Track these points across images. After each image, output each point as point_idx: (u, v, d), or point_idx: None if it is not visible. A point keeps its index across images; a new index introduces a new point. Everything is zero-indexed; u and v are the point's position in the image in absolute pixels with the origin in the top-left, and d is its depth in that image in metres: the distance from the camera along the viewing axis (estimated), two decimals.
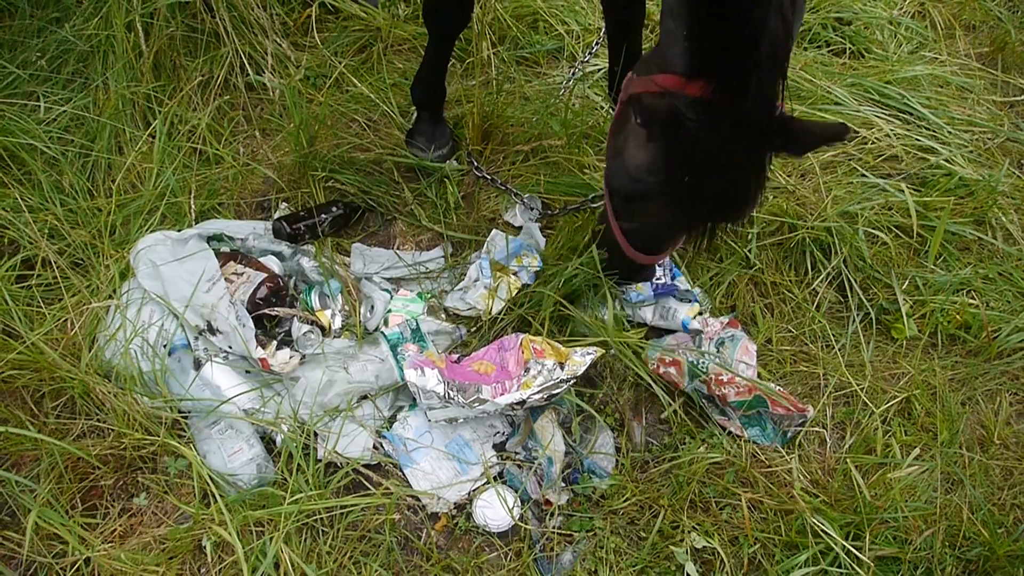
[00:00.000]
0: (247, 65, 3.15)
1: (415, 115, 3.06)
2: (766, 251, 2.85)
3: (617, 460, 2.47)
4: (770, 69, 1.79)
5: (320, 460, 2.34)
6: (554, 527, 2.33)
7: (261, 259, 2.67)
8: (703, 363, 2.49)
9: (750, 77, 1.78)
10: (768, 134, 1.89)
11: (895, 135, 3.07)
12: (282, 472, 2.31)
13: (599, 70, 3.37)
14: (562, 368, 2.40)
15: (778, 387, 2.50)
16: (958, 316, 2.72)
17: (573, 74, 3.31)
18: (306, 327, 2.57)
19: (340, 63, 3.26)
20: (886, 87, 3.18)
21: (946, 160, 3.01)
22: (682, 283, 2.74)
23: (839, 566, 2.20)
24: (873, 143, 3.06)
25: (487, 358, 2.50)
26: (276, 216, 2.83)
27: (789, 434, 2.49)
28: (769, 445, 2.48)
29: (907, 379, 2.64)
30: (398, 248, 2.89)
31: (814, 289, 2.82)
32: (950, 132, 3.14)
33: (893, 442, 2.42)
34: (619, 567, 2.27)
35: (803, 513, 2.27)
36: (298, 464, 2.28)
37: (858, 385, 2.60)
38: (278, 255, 2.71)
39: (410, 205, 2.95)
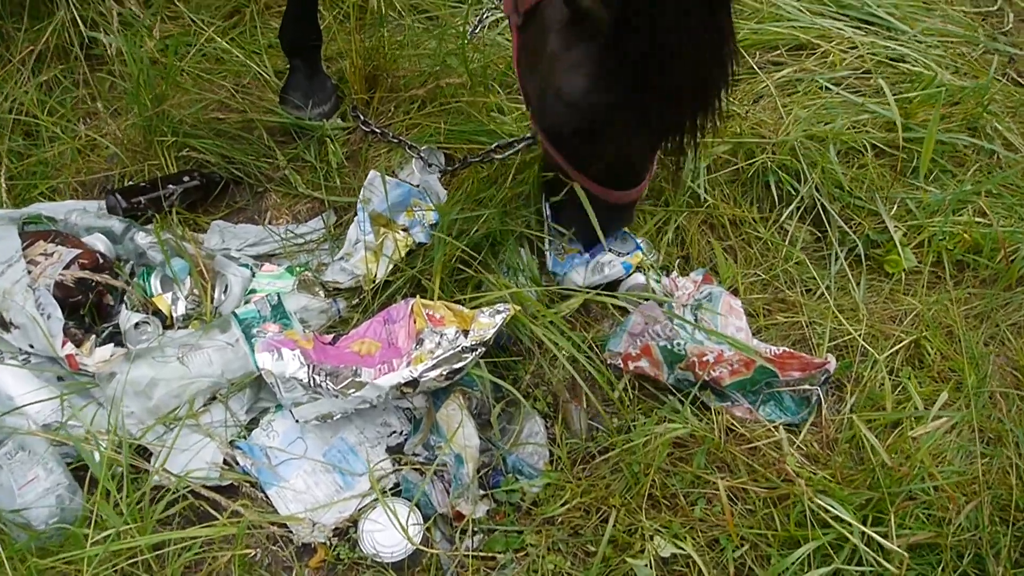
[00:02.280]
0: (84, 31, 2.48)
1: (289, 69, 2.40)
2: (720, 186, 2.19)
3: (551, 453, 1.78)
4: None
5: (142, 486, 1.62)
6: (469, 549, 1.62)
7: (85, 239, 1.98)
8: (680, 344, 1.80)
9: None
10: None
11: (862, 46, 2.44)
12: (95, 503, 1.59)
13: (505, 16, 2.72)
14: (467, 336, 1.71)
15: (779, 348, 1.83)
16: (966, 236, 2.06)
17: (480, 20, 2.67)
18: (138, 317, 1.87)
19: (207, 29, 2.60)
20: None
21: (923, 69, 2.38)
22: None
23: (859, 562, 1.50)
24: (838, 55, 2.42)
25: (370, 335, 1.81)
26: (110, 189, 2.14)
27: (815, 398, 1.81)
28: (794, 421, 1.80)
29: (912, 318, 1.97)
30: (270, 223, 2.20)
31: (783, 226, 2.16)
32: (919, 42, 2.52)
33: (911, 389, 1.73)
34: None
35: (802, 496, 1.57)
36: (107, 490, 1.56)
37: (854, 330, 1.92)
38: (107, 233, 2.02)
39: (283, 170, 2.27)
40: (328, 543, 1.65)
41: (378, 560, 1.61)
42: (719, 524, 1.63)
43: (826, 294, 2.00)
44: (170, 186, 2.14)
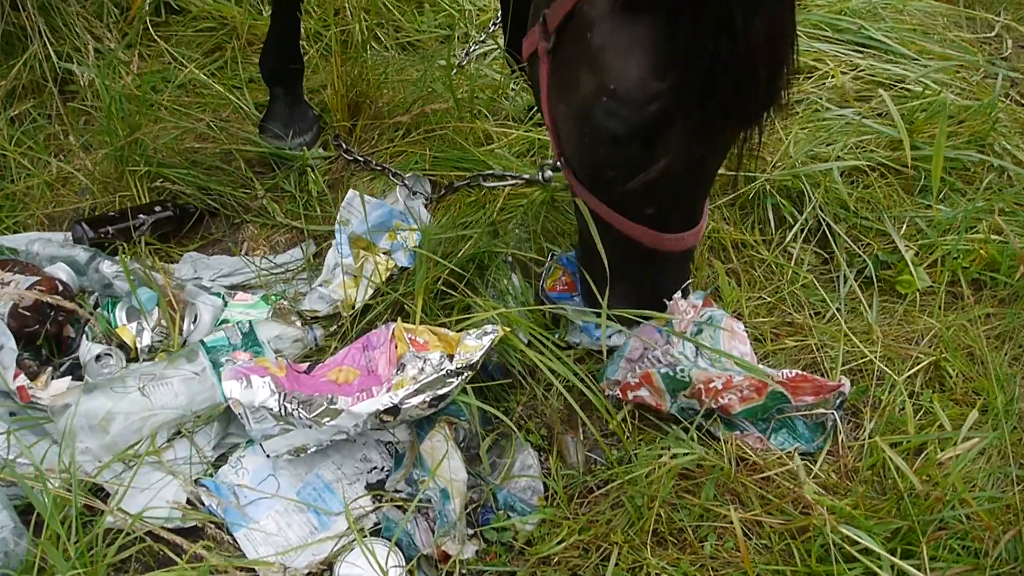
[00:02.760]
0: (56, 63, 2.41)
1: (269, 98, 2.32)
2: (719, 210, 2.09)
3: (546, 487, 1.63)
4: None
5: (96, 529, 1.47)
6: None
7: (47, 269, 1.86)
8: (682, 370, 1.68)
9: None
10: None
11: (860, 68, 2.37)
12: (41, 547, 1.43)
13: (494, 49, 2.66)
14: (452, 361, 1.58)
15: (791, 371, 1.69)
16: (982, 253, 1.95)
17: (467, 53, 2.61)
18: (99, 348, 1.74)
19: (188, 64, 2.54)
20: (839, 19, 2.49)
21: (925, 89, 2.30)
22: None
23: None
24: (838, 76, 2.35)
25: (348, 362, 1.68)
26: (77, 218, 2.03)
27: (831, 424, 1.67)
28: (809, 449, 1.67)
29: (930, 338, 1.84)
30: (247, 254, 2.09)
31: (787, 249, 2.04)
32: (920, 65, 2.45)
33: (937, 410, 1.59)
34: None
35: (823, 528, 1.42)
36: (56, 534, 1.41)
37: (870, 352, 1.79)
38: (71, 263, 1.89)
39: (261, 199, 2.16)
40: None
41: None
42: (732, 561, 1.48)
43: (837, 316, 1.88)
44: (141, 216, 2.03)
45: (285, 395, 1.53)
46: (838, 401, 1.66)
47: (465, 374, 1.57)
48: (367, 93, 2.25)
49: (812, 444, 1.66)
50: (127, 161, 2.13)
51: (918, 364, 1.77)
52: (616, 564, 1.46)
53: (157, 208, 2.07)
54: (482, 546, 1.55)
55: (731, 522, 1.47)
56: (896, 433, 1.65)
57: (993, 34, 2.75)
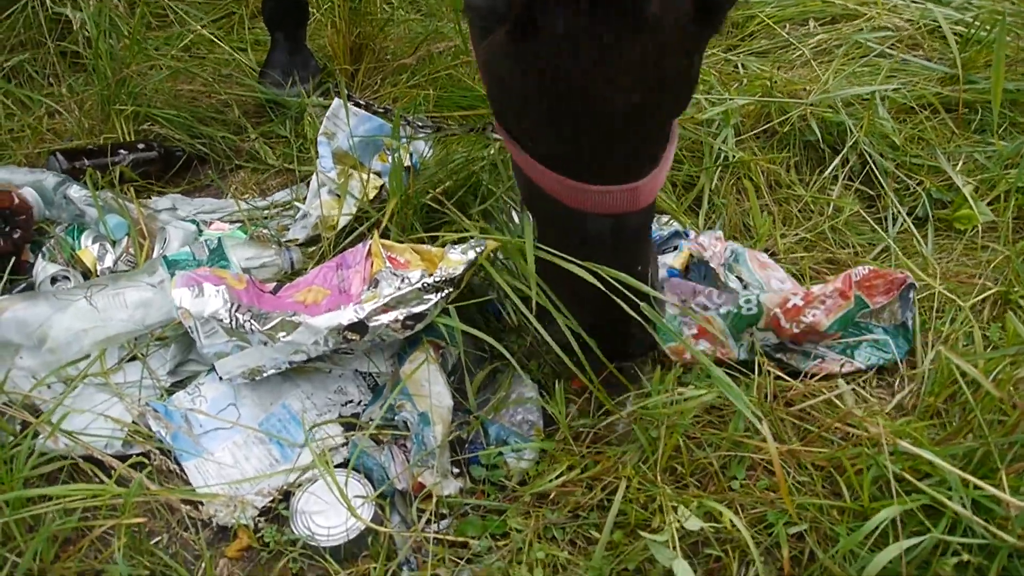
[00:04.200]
0: (50, 8, 2.27)
1: (270, 44, 2.16)
2: (748, 148, 1.85)
3: (547, 415, 1.37)
4: None
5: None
6: (434, 532, 1.20)
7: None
8: (748, 301, 1.41)
9: None
10: None
11: (908, 9, 2.15)
12: None
13: None
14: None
15: (862, 268, 1.44)
16: None
17: None
18: (55, 268, 1.54)
19: (196, 24, 2.39)
20: None
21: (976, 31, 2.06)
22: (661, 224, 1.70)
23: (968, 533, 1.05)
24: (882, 13, 2.12)
25: (319, 282, 1.45)
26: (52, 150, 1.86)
27: (909, 323, 1.44)
28: (899, 357, 1.43)
29: (996, 267, 1.56)
30: (236, 198, 1.89)
31: (825, 189, 1.79)
32: (969, 9, 2.20)
33: (1015, 322, 1.31)
34: None
35: (876, 457, 1.14)
36: None
37: (929, 279, 1.52)
38: (39, 188, 1.71)
39: (252, 141, 1.98)
40: (251, 525, 1.24)
41: (312, 544, 1.19)
42: (765, 499, 1.20)
43: (892, 246, 1.62)
44: (121, 152, 1.85)
45: (239, 306, 1.31)
46: (908, 296, 1.41)
47: (446, 291, 1.32)
48: (371, 35, 2.08)
49: (902, 352, 1.43)
50: (113, 101, 1.97)
51: (984, 294, 1.49)
52: (622, 496, 1.19)
53: (140, 146, 1.89)
54: (468, 485, 1.29)
55: (763, 458, 1.20)
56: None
57: None
